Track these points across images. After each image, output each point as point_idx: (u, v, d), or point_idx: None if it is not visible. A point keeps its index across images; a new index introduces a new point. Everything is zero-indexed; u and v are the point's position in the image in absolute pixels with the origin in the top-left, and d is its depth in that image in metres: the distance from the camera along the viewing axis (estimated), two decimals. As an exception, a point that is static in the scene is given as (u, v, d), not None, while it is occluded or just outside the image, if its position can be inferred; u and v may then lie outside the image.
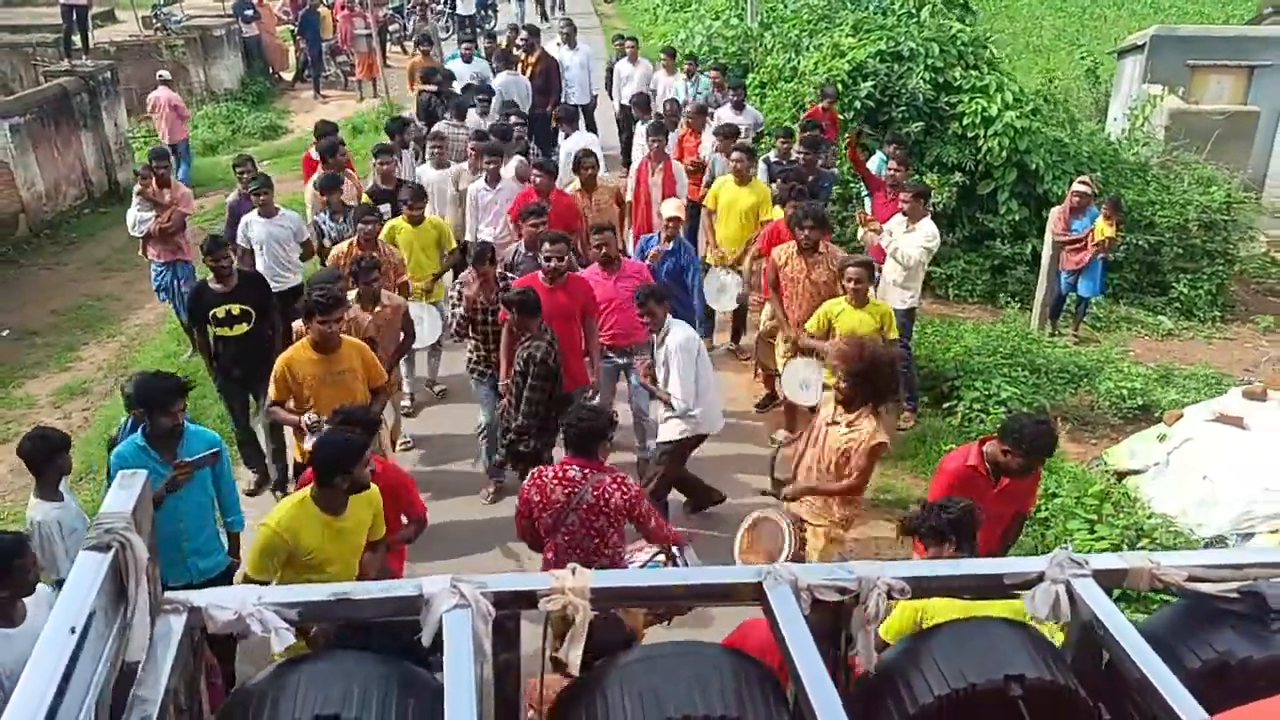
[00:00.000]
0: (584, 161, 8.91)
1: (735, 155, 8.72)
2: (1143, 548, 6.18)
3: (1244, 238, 12.85)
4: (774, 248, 7.65)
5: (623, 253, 7.93)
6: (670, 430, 6.48)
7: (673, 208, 8.13)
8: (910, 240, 7.68)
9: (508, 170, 9.20)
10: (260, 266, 8.18)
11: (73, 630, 1.77)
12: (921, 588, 2.38)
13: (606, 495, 4.85)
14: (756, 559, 5.86)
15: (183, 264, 9.32)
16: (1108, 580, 2.36)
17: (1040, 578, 2.33)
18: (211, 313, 6.96)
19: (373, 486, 4.67)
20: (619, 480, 4.95)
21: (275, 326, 7.23)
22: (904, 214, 7.62)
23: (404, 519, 5.32)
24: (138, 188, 9.26)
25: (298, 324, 6.40)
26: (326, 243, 8.35)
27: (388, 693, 2.09)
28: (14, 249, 12.61)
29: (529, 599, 2.22)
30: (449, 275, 8.85)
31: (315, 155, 9.82)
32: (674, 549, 5.23)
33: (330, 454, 4.52)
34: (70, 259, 12.63)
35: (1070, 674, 2.27)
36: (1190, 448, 6.95)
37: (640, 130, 10.70)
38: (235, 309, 6.98)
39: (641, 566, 5.16)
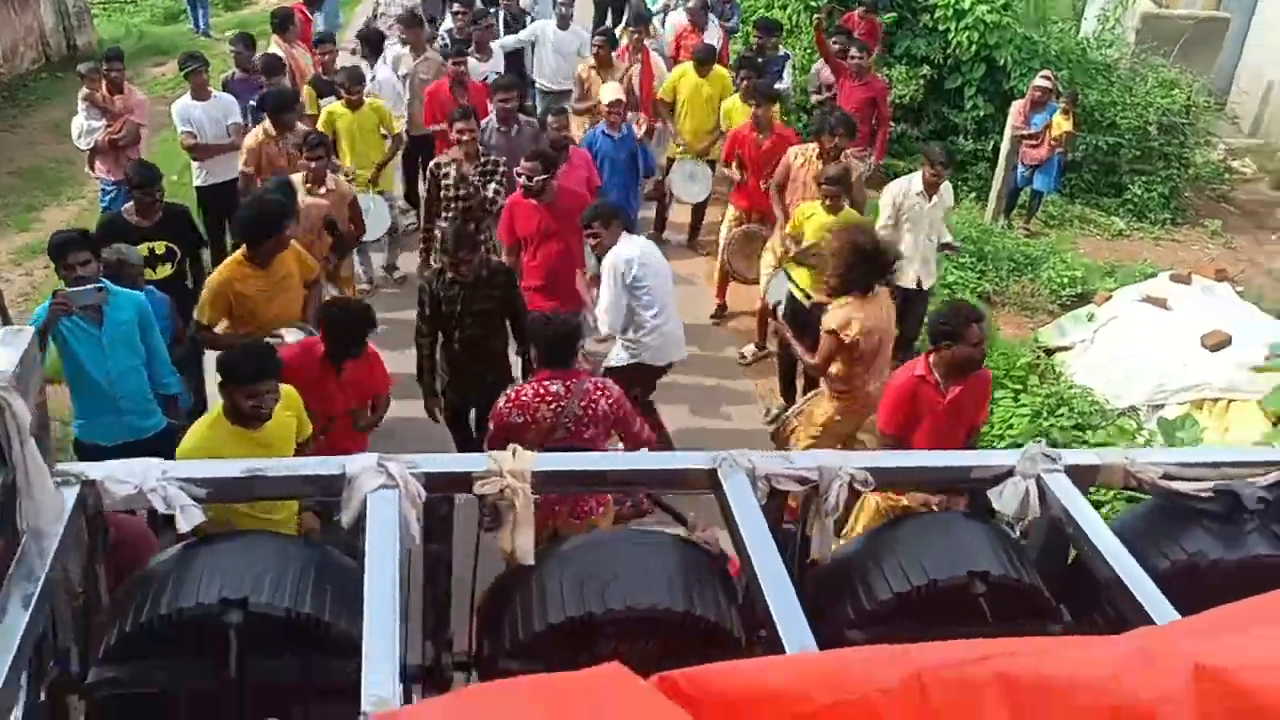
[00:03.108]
0: (595, 39, 8.94)
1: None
2: (1061, 415, 6.51)
3: (1201, 143, 13.05)
4: (791, 148, 7.47)
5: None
6: (616, 353, 6.12)
7: (613, 91, 7.97)
8: (937, 213, 7.17)
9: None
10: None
11: None
12: (885, 479, 2.32)
13: (593, 404, 4.67)
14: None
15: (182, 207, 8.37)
16: (1079, 477, 2.28)
17: (1010, 472, 2.25)
18: None
19: (288, 385, 4.45)
20: (600, 386, 4.80)
21: (202, 269, 6.60)
22: (925, 186, 6.97)
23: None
24: (84, 92, 8.13)
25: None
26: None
27: (301, 576, 1.98)
28: (-30, 110, 12.47)
29: (464, 481, 2.10)
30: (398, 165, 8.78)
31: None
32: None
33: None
34: (27, 121, 12.50)
35: (1034, 572, 2.24)
36: (1115, 326, 7.27)
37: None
38: (159, 247, 6.16)
39: None
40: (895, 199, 6.95)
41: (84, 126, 8.16)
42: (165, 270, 6.21)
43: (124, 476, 1.95)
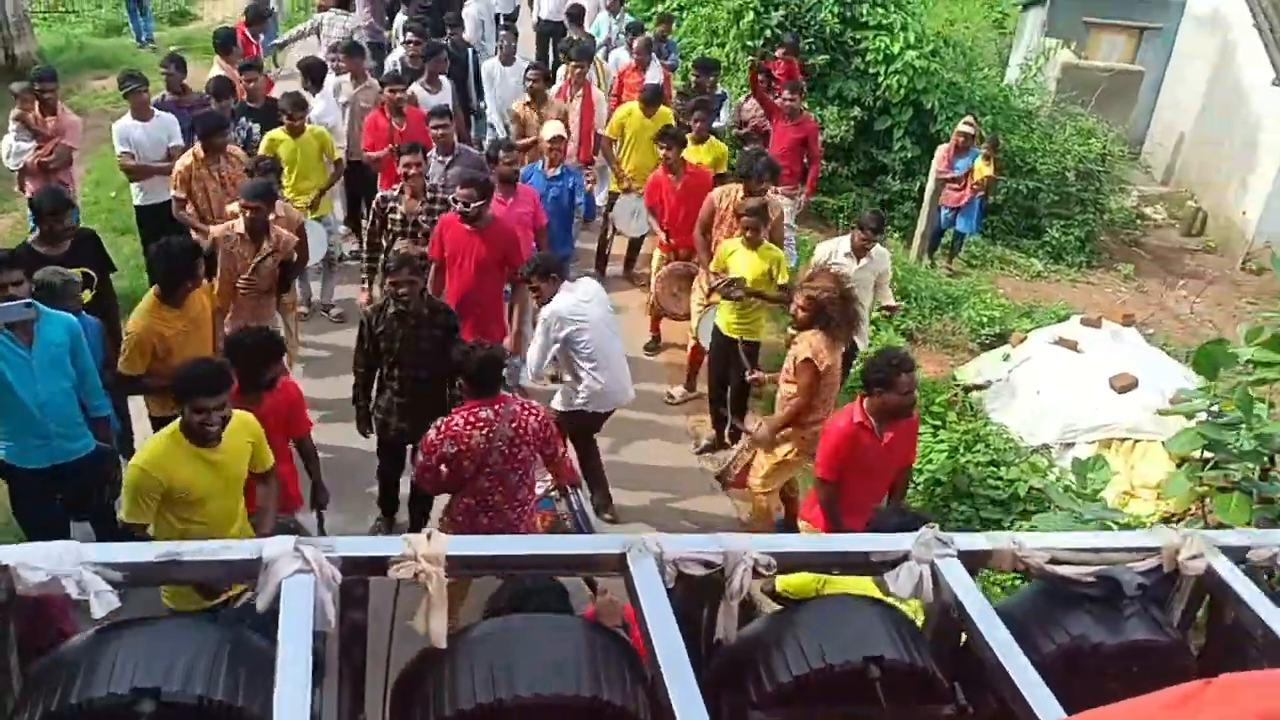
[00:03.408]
0: (529, 73, 8.92)
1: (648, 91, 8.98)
2: (977, 451, 6.86)
3: (1116, 190, 13.72)
4: (716, 189, 7.62)
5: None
6: (558, 399, 6.19)
7: (554, 129, 8.01)
8: (866, 276, 7.04)
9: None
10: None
11: None
12: (788, 563, 2.35)
13: (523, 424, 4.79)
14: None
15: (75, 209, 7.58)
16: (971, 561, 2.33)
17: (905, 557, 2.30)
18: None
19: (247, 414, 4.48)
20: (528, 406, 4.92)
21: (113, 293, 6.54)
22: (854, 249, 6.96)
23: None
24: (16, 112, 7.91)
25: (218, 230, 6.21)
26: None
27: (215, 661, 1.96)
28: (-96, 116, 12.26)
29: (379, 565, 2.10)
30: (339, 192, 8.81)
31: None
32: (568, 487, 5.32)
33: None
34: (-36, 130, 12.32)
35: (929, 655, 2.28)
36: (1029, 366, 7.66)
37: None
38: (75, 274, 5.96)
39: (538, 500, 5.30)
40: (821, 260, 6.94)
41: (13, 147, 7.97)
42: (85, 296, 6.09)
43: (38, 562, 1.91)
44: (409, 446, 5.89)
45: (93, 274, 6.30)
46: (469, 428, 4.72)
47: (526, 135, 8.72)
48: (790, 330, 5.92)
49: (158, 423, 5.59)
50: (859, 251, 6.96)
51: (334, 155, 8.22)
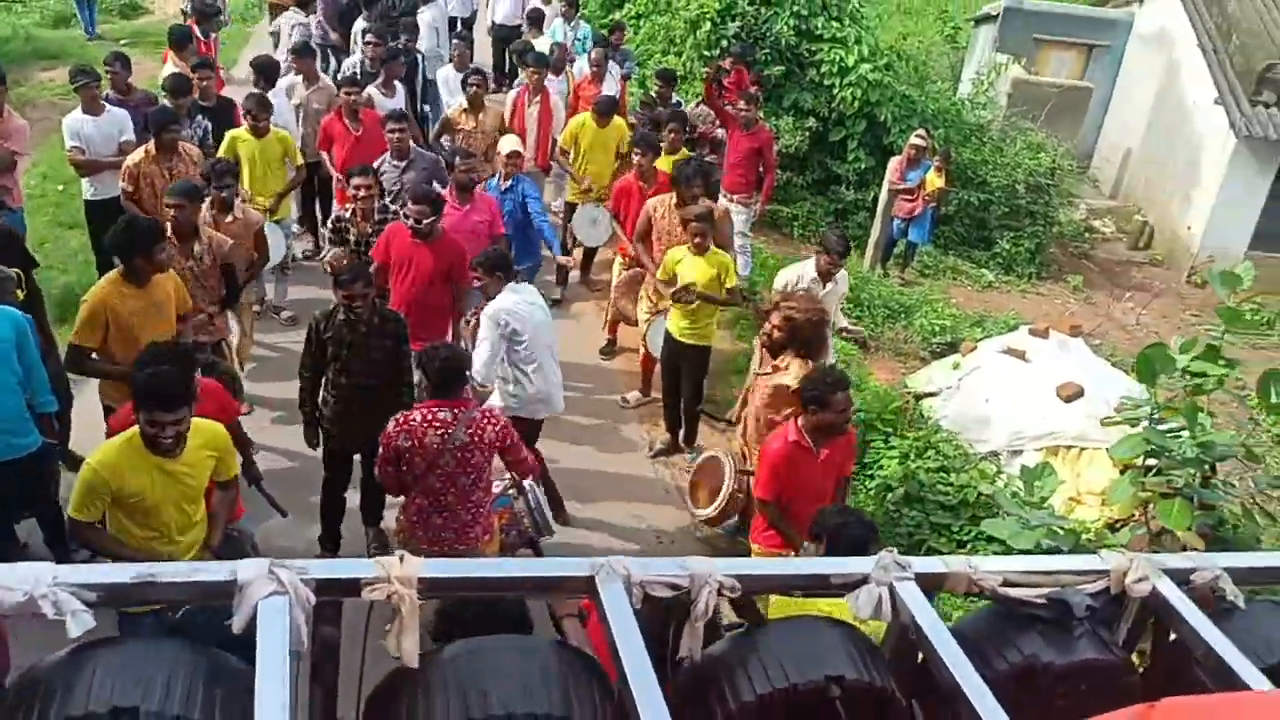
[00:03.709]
0: (470, 79, 8.90)
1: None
2: (928, 458, 6.95)
3: (1065, 203, 13.99)
4: (649, 199, 7.66)
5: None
6: (496, 399, 6.06)
7: (511, 143, 7.98)
8: (831, 300, 6.84)
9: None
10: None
11: None
12: (751, 586, 2.41)
13: (480, 431, 4.84)
14: (703, 495, 6.13)
15: (9, 211, 7.49)
16: (928, 583, 2.42)
17: (865, 579, 2.38)
18: None
19: (218, 425, 4.40)
20: (487, 414, 4.97)
21: (39, 289, 6.34)
22: (820, 273, 6.74)
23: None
24: None
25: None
26: None
27: (193, 683, 1.97)
28: None
29: (352, 587, 2.14)
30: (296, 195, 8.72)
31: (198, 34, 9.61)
32: (525, 483, 5.34)
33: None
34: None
35: (888, 675, 2.34)
36: (978, 375, 7.78)
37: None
38: None
39: (495, 498, 5.29)
40: (789, 284, 6.73)
41: None
42: (19, 295, 5.96)
43: (13, 584, 1.92)
44: (355, 457, 5.84)
45: (22, 273, 6.09)
46: (425, 425, 4.74)
47: (456, 140, 8.75)
48: (762, 348, 5.84)
49: (109, 413, 5.43)
50: (825, 276, 6.73)
51: (296, 160, 8.17)
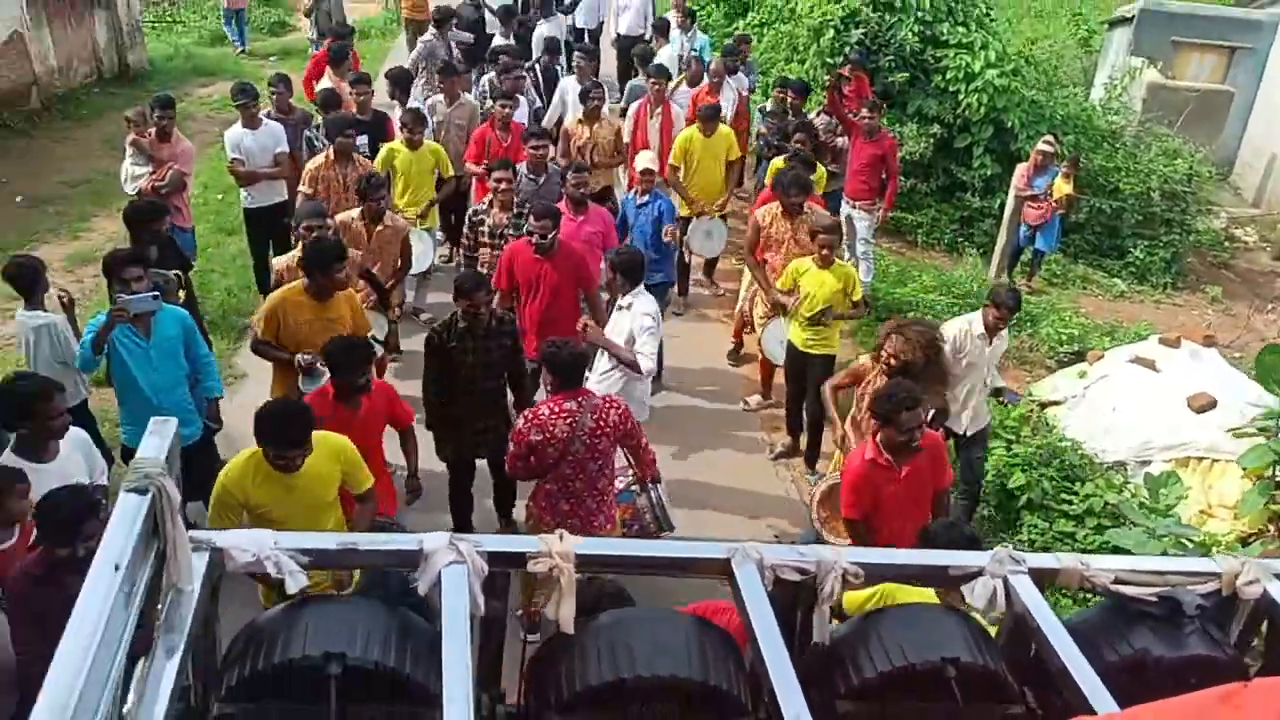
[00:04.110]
0: (592, 93, 9.08)
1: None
2: (1051, 467, 6.91)
3: (1204, 211, 13.51)
4: (757, 209, 7.80)
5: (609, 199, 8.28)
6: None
7: (646, 160, 8.20)
8: (994, 358, 6.68)
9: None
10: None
11: (116, 567, 1.92)
12: (874, 574, 2.56)
13: (604, 415, 5.05)
14: (834, 518, 5.74)
15: (180, 230, 7.94)
16: (1041, 578, 2.55)
17: (981, 572, 2.52)
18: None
19: (344, 439, 4.61)
20: (610, 400, 5.20)
21: (193, 290, 7.02)
22: (987, 328, 6.37)
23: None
24: (131, 138, 8.20)
25: (280, 261, 6.48)
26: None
27: (389, 635, 2.26)
28: (25, 120, 13.02)
29: (519, 559, 2.39)
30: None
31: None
32: (649, 481, 5.50)
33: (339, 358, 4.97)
34: (79, 134, 13.03)
35: (1000, 660, 2.48)
36: (1105, 384, 7.69)
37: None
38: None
39: (619, 493, 5.51)
40: (956, 340, 6.34)
41: (129, 172, 8.27)
42: (181, 296, 6.63)
43: (244, 545, 2.26)
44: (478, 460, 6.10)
45: (182, 275, 6.80)
46: (554, 417, 4.99)
47: (570, 152, 8.93)
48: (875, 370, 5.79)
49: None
50: (991, 331, 6.36)
51: (447, 171, 8.54)
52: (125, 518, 2.02)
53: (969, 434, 6.54)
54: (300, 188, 7.75)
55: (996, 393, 6.95)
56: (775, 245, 7.55)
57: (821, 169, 8.79)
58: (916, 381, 5.42)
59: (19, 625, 3.85)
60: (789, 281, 6.97)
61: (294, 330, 5.74)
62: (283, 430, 4.27)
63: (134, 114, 8.46)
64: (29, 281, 5.79)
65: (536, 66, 10.93)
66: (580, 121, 9.09)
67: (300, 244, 6.39)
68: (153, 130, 8.13)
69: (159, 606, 2.11)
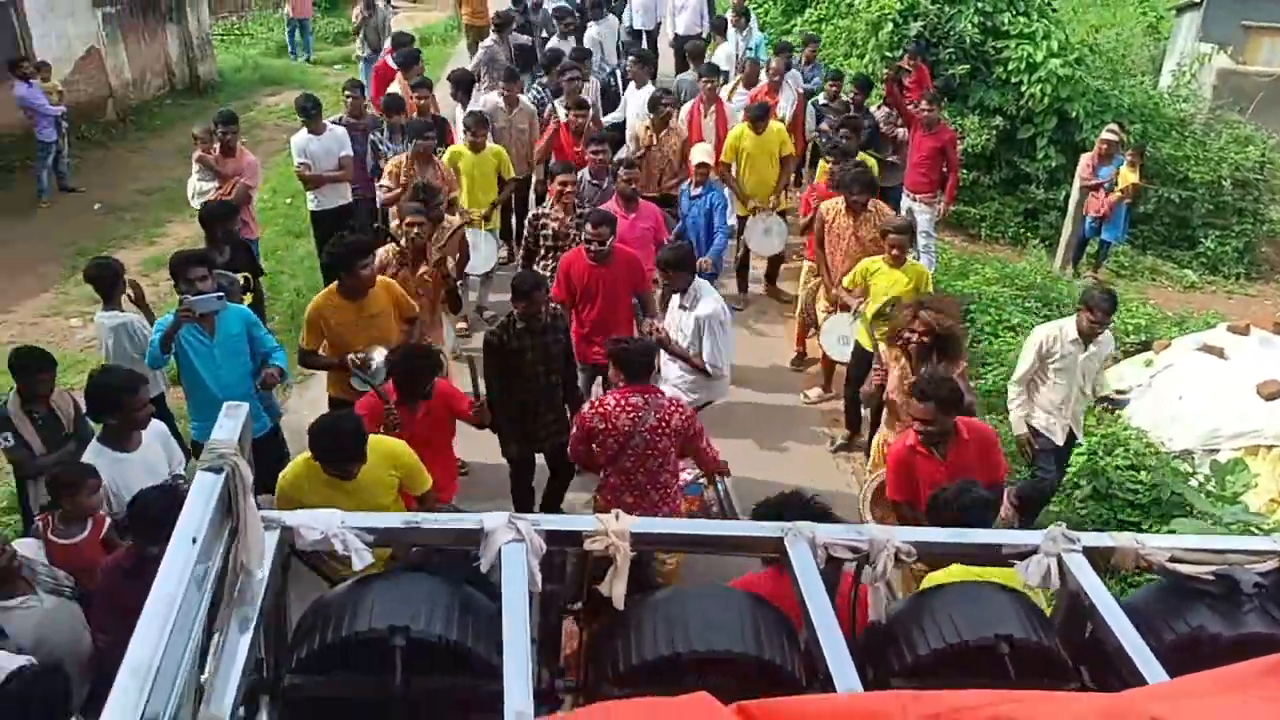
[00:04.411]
0: (663, 99, 8.95)
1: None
2: (1116, 455, 6.81)
3: (1277, 200, 13.17)
4: (822, 202, 7.75)
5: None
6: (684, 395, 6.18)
7: (701, 153, 8.22)
8: (1093, 364, 6.21)
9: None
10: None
11: (194, 540, 2.00)
12: (926, 552, 2.56)
13: (667, 417, 5.10)
14: (887, 515, 5.51)
15: (247, 241, 8.00)
16: (1096, 556, 2.53)
17: (1035, 550, 2.50)
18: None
19: (399, 444, 4.69)
20: (675, 403, 5.23)
21: (262, 293, 7.22)
22: (1081, 333, 6.03)
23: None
24: (197, 154, 8.42)
25: (381, 252, 6.46)
26: (383, 163, 8.39)
27: (451, 610, 2.32)
28: (102, 132, 13.49)
29: (575, 538, 2.44)
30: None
31: (392, 63, 10.21)
32: (716, 475, 5.52)
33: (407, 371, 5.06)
34: (153, 144, 13.46)
35: (1055, 638, 2.48)
36: (1171, 372, 7.55)
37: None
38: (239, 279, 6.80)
39: (686, 485, 5.60)
40: (1043, 345, 6.11)
41: (196, 188, 8.45)
42: (247, 299, 6.76)
43: (312, 524, 2.33)
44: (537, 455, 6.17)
45: (251, 278, 7.00)
46: (618, 409, 5.08)
47: (641, 155, 8.86)
48: (896, 355, 5.71)
49: (334, 403, 6.03)
50: (1086, 336, 6.01)
51: (508, 173, 8.68)
52: (201, 494, 2.09)
53: (1071, 441, 6.37)
54: (382, 181, 7.97)
55: (1103, 401, 6.54)
56: (835, 240, 7.53)
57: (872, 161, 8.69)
58: (946, 354, 5.46)
59: (105, 615, 4.03)
60: (857, 281, 6.90)
61: (337, 333, 5.83)
62: (336, 445, 4.37)
63: (200, 131, 8.66)
64: (109, 284, 6.03)
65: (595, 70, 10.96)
66: (647, 128, 9.05)
67: (402, 237, 6.66)
68: (217, 145, 8.33)
69: (232, 582, 2.18)
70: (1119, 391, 7.80)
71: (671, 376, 6.37)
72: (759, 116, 8.96)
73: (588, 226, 6.49)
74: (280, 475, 4.60)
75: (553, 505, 6.35)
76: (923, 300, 5.81)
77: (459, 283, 7.33)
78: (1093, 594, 2.41)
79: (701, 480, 5.67)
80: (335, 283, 5.88)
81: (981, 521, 4.04)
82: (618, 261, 6.58)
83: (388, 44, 11.78)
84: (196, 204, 8.39)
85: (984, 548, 2.71)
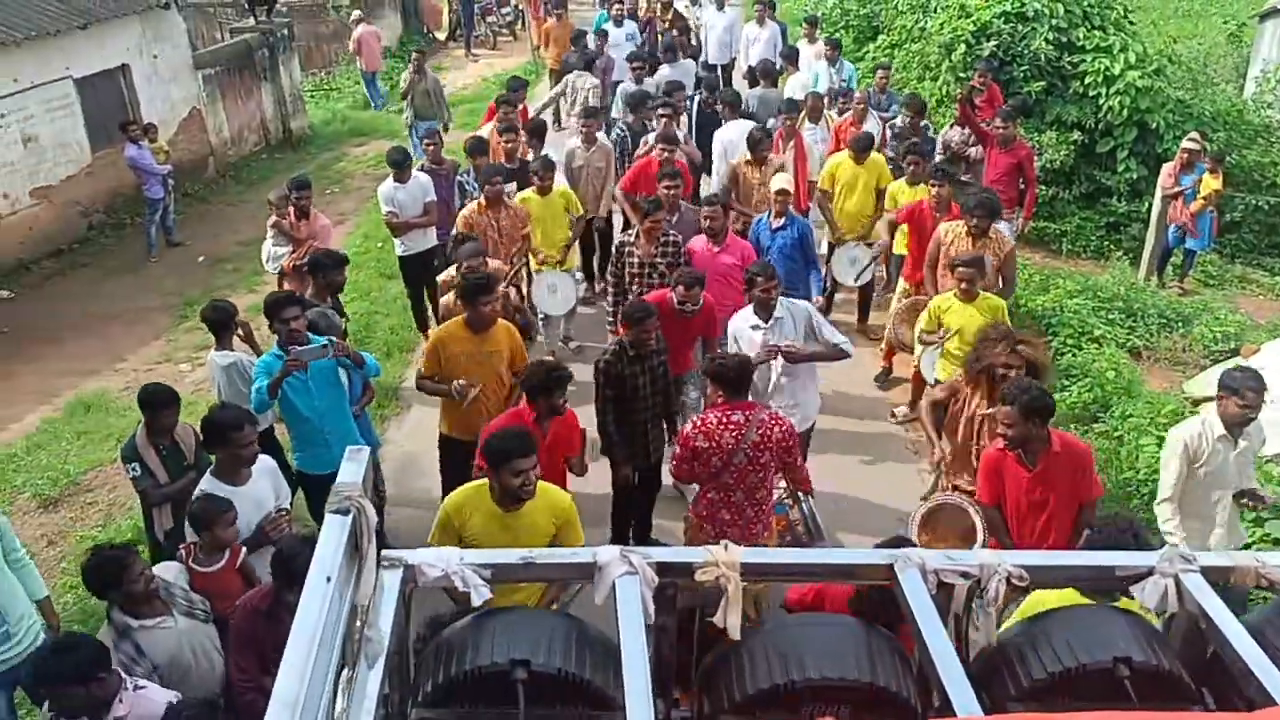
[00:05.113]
0: (761, 139, 8.92)
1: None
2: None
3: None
4: (943, 224, 7.69)
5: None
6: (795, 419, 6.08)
7: (781, 181, 8.15)
8: (1246, 460, 5.33)
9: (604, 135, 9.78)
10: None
11: (328, 579, 2.06)
12: (1038, 576, 2.53)
13: (769, 431, 5.14)
14: (937, 541, 5.30)
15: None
16: (1214, 576, 2.47)
17: (1150, 571, 2.46)
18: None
19: (565, 496, 4.69)
20: (775, 417, 5.25)
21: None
22: (1228, 426, 5.15)
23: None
24: (272, 219, 8.71)
25: (446, 299, 6.85)
26: (469, 202, 8.54)
27: (569, 643, 2.37)
28: (204, 187, 14.20)
29: (686, 570, 2.47)
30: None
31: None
32: (801, 494, 5.61)
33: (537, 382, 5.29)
34: (251, 197, 14.03)
35: (1174, 659, 2.42)
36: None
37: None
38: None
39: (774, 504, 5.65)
40: (1189, 447, 5.20)
41: (270, 253, 8.71)
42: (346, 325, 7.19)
43: (433, 562, 2.40)
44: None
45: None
46: (721, 427, 5.15)
47: (743, 195, 8.99)
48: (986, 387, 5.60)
49: (444, 441, 6.35)
50: (1235, 426, 5.15)
51: (577, 210, 8.84)
52: (331, 535, 2.17)
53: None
54: (455, 230, 8.12)
55: (1244, 495, 5.34)
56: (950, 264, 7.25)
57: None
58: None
59: (240, 653, 4.26)
60: (932, 322, 6.82)
61: (454, 362, 6.06)
62: (508, 443, 4.40)
63: (275, 197, 8.88)
64: (222, 325, 6.45)
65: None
66: (748, 163, 9.07)
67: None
68: (291, 210, 8.57)
69: (360, 618, 2.23)
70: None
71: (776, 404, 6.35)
72: (864, 147, 8.97)
73: (679, 288, 6.48)
74: (448, 497, 4.67)
75: (643, 523, 6.52)
76: (1005, 335, 5.68)
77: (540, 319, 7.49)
78: (1214, 615, 2.37)
79: (786, 500, 5.75)
80: (463, 315, 6.14)
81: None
82: (700, 314, 6.66)
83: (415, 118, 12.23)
84: (271, 268, 8.79)
85: (1097, 569, 2.69)
